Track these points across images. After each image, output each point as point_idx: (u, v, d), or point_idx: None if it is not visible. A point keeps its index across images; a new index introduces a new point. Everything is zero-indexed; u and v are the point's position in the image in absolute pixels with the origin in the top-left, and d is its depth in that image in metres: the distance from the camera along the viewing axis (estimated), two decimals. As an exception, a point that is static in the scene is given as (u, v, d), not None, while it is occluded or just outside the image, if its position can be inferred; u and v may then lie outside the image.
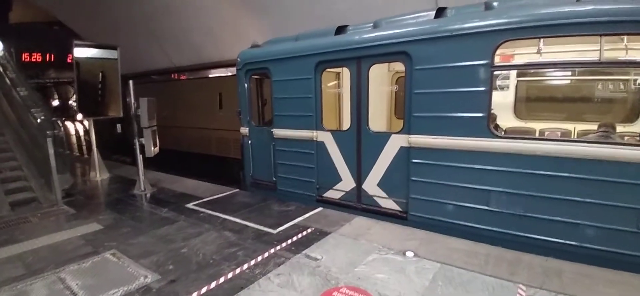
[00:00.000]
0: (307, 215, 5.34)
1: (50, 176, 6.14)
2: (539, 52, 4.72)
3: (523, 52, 5.37)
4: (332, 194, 5.76)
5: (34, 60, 15.76)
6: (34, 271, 3.82)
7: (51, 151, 5.88)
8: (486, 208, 4.23)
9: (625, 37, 4.49)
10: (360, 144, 5.26)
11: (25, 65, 15.88)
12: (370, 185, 5.27)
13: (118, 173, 8.96)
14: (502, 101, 6.38)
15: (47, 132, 5.91)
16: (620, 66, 5.39)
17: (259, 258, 4.03)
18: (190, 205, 6.10)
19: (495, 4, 4.19)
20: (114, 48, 8.58)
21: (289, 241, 4.45)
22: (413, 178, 4.72)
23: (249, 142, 6.89)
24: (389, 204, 5.15)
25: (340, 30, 5.55)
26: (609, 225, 3.62)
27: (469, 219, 4.38)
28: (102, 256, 4.23)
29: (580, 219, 3.75)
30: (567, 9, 3.60)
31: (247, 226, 5.05)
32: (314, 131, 5.72)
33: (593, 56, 3.85)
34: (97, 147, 8.56)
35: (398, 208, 5.07)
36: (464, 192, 4.34)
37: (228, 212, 5.63)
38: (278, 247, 4.29)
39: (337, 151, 5.57)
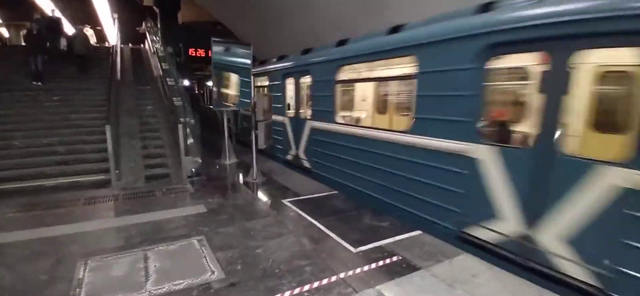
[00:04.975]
0: (399, 237, 4.43)
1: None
2: None
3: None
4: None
5: (199, 55, 19.16)
6: (130, 245, 4.23)
7: (181, 135, 6.66)
8: None
9: None
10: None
11: (192, 59, 19.51)
12: None
13: (244, 159, 9.73)
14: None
15: (180, 119, 6.70)
16: None
17: (324, 281, 3.45)
18: (285, 201, 5.98)
19: None
20: (247, 45, 9.28)
21: (366, 268, 3.71)
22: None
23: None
24: None
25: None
26: None
27: None
28: (189, 241, 4.40)
29: None
30: None
31: (328, 236, 4.52)
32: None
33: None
34: (229, 134, 9.53)
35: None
36: None
37: (316, 216, 5.23)
38: (350, 272, 3.61)
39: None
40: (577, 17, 3.15)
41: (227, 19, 17.86)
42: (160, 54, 11.46)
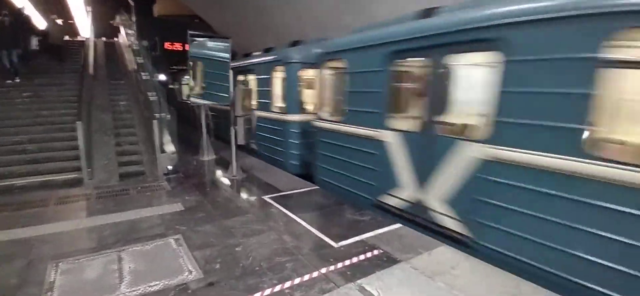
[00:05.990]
0: (379, 231, 4.46)
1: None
2: None
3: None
4: None
5: (175, 49, 18.77)
6: (103, 246, 4.07)
7: (156, 131, 6.45)
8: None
9: None
10: None
11: (168, 52, 19.12)
12: None
13: (223, 155, 9.56)
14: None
15: (155, 114, 6.50)
16: None
17: (306, 278, 3.42)
18: (266, 197, 5.90)
19: None
20: (226, 38, 9.07)
21: (347, 262, 3.70)
22: None
23: None
24: None
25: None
26: None
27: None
28: (166, 240, 4.27)
29: None
30: None
31: (309, 231, 4.50)
32: None
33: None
34: (207, 130, 9.34)
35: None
36: None
37: (297, 211, 5.19)
38: (331, 267, 3.59)
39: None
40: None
41: (204, 12, 17.46)
42: (135, 47, 11.08)
